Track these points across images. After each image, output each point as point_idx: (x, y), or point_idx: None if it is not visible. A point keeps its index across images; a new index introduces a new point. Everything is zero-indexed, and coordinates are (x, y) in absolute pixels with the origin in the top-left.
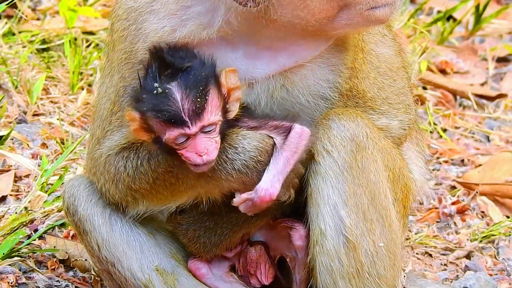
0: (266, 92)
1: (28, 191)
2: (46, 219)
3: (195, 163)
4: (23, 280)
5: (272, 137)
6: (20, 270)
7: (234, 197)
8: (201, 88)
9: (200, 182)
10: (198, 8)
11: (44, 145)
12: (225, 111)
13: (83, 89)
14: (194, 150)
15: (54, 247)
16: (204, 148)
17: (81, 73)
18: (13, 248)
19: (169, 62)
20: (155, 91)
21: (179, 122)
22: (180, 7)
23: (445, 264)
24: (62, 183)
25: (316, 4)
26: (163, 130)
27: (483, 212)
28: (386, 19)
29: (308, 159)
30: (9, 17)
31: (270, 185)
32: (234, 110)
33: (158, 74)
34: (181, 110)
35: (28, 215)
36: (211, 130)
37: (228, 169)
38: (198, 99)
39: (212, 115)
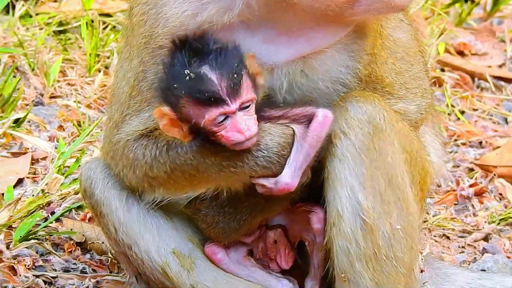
0: (286, 77)
1: (45, 174)
2: (63, 201)
3: (238, 141)
4: (40, 262)
5: (292, 128)
6: (37, 252)
7: (255, 186)
8: (234, 66)
9: (221, 176)
10: None
11: (61, 127)
12: (256, 92)
13: (100, 71)
14: (235, 128)
15: (71, 229)
16: (245, 125)
17: (98, 55)
18: (30, 231)
19: (196, 48)
20: (187, 77)
21: (219, 101)
22: None
23: (462, 247)
24: (79, 166)
25: None
26: (201, 113)
27: (501, 194)
28: (406, 6)
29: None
30: None
31: (291, 179)
32: (259, 96)
33: (187, 61)
34: (219, 89)
35: (45, 197)
36: (248, 107)
37: (251, 165)
38: (234, 77)
39: (249, 91)
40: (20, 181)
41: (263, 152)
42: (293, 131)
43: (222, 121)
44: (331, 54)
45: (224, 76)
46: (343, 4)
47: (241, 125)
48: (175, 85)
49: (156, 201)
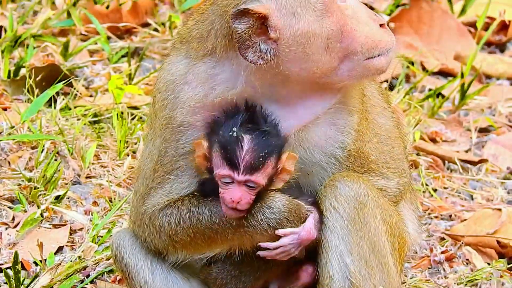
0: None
1: (82, 243)
2: (96, 266)
3: (227, 205)
4: None
5: (299, 203)
6: None
7: (258, 250)
8: (266, 152)
9: (236, 236)
10: (225, 74)
11: (95, 203)
12: (270, 181)
13: (128, 155)
14: (231, 195)
15: None
16: (239, 197)
17: (127, 142)
18: None
19: (256, 119)
20: (231, 133)
21: (234, 165)
22: (209, 76)
23: None
24: (110, 235)
25: (318, 57)
26: (218, 164)
27: (467, 259)
28: (384, 69)
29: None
30: (66, 94)
31: (312, 227)
32: (277, 186)
33: (241, 122)
34: (241, 157)
35: (81, 263)
36: (253, 187)
37: (264, 226)
38: (259, 159)
39: (262, 177)
40: (60, 249)
41: (276, 215)
42: (301, 206)
43: (227, 183)
44: (323, 129)
45: (254, 152)
46: (328, 71)
47: (236, 195)
48: (220, 132)
49: (178, 261)
